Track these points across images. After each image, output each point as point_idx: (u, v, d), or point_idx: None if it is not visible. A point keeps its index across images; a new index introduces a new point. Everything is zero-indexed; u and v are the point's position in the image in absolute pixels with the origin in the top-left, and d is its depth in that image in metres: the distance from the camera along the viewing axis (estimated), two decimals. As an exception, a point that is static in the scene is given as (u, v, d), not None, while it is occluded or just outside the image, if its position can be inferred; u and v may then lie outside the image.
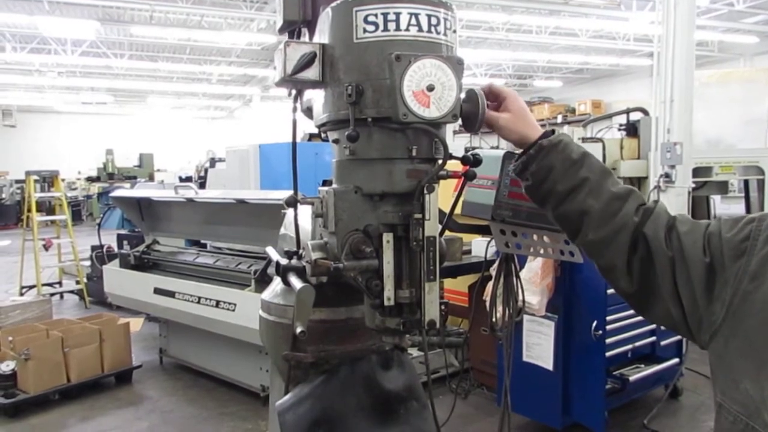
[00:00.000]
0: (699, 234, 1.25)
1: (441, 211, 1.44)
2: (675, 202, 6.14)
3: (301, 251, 1.69)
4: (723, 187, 7.41)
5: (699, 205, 7.81)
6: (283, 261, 1.73)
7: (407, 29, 1.31)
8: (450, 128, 1.87)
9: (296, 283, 1.59)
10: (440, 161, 1.37)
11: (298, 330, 1.53)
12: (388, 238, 1.37)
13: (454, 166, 1.44)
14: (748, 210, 7.82)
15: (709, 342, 1.21)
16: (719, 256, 1.20)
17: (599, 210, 1.34)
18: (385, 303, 1.37)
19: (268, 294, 1.95)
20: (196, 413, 4.96)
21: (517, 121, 1.43)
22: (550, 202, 1.42)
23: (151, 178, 21.23)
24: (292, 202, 1.55)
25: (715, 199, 8.35)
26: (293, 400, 1.76)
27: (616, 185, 1.37)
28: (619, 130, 8.11)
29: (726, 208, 9.17)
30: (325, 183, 1.57)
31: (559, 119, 21.23)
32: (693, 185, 6.34)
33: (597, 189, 1.35)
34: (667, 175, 6.15)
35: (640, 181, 7.56)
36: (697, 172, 6.61)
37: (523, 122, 1.43)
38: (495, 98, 1.47)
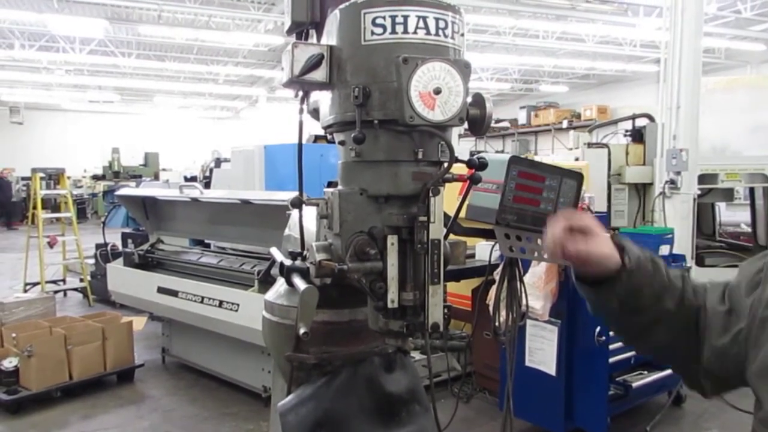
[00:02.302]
0: (719, 288, 1.30)
1: (446, 215, 1.44)
2: (680, 209, 6.12)
3: (305, 252, 1.70)
4: (728, 194, 7.38)
5: (704, 212, 7.78)
6: (288, 262, 1.73)
7: (415, 32, 1.32)
8: (455, 132, 1.87)
9: (300, 284, 1.59)
10: (446, 164, 1.37)
11: (302, 331, 1.53)
12: (392, 240, 1.37)
13: (459, 169, 1.44)
14: (754, 217, 7.79)
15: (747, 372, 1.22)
16: (737, 297, 1.24)
17: (674, 311, 1.33)
18: (389, 305, 1.37)
19: (271, 294, 1.95)
20: (198, 413, 4.96)
21: (609, 254, 1.31)
22: (627, 315, 1.36)
23: (156, 177, 21.26)
24: (298, 203, 1.56)
25: (721, 206, 8.31)
26: (295, 401, 1.76)
27: (675, 275, 1.37)
28: (625, 135, 8.10)
29: (731, 215, 9.12)
30: (330, 184, 1.58)
31: (565, 124, 21.20)
32: (698, 192, 6.31)
33: (671, 291, 1.34)
34: (672, 182, 6.13)
35: (645, 188, 7.55)
36: (702, 178, 6.59)
37: (610, 249, 1.31)
38: (580, 232, 1.32)
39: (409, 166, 1.39)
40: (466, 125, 1.41)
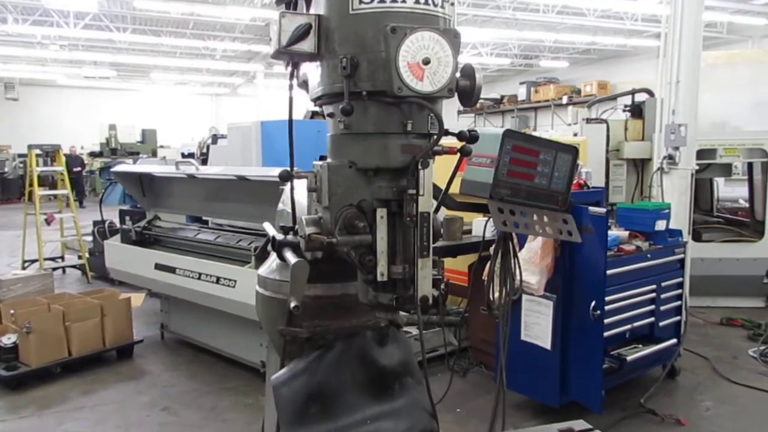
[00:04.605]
0: None
1: (437, 188, 1.43)
2: (678, 185, 6.10)
3: (296, 227, 1.69)
4: (726, 170, 7.36)
5: (702, 188, 7.77)
6: (279, 236, 1.73)
7: (404, 0, 1.29)
8: (454, 108, 1.86)
9: (291, 258, 1.59)
10: (435, 136, 1.36)
11: (293, 305, 1.54)
12: (381, 213, 1.37)
13: (451, 142, 1.42)
14: (752, 193, 7.78)
15: None
16: None
17: None
18: (378, 278, 1.37)
19: (264, 269, 1.95)
20: (197, 388, 5.00)
21: None
22: None
23: (154, 154, 21.20)
24: (287, 177, 1.55)
25: (719, 182, 8.30)
26: (288, 374, 1.77)
27: None
28: (624, 111, 8.04)
29: (729, 191, 9.12)
30: (323, 158, 1.57)
31: (565, 100, 21.06)
32: (696, 167, 6.28)
33: None
34: (670, 157, 6.09)
35: (643, 163, 7.52)
36: (701, 154, 6.55)
37: None
38: None
39: (398, 138, 1.37)
40: (456, 97, 1.39)
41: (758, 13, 16.09)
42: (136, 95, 29.41)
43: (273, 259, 1.94)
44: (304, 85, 1.61)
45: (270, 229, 1.91)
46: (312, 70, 1.48)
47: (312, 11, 1.45)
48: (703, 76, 6.26)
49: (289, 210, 1.79)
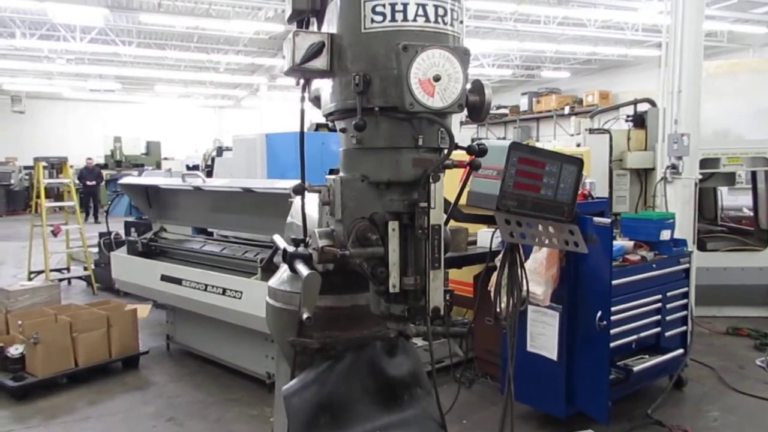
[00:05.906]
0: None
1: (446, 201, 1.46)
2: (681, 194, 6.12)
3: (307, 239, 1.72)
4: (730, 179, 7.37)
5: (706, 197, 7.78)
6: (290, 248, 1.76)
7: (414, 19, 1.33)
8: (456, 119, 1.89)
9: (303, 270, 1.61)
10: (446, 151, 1.39)
11: (305, 316, 1.56)
12: (393, 226, 1.39)
13: (460, 156, 1.45)
14: (755, 201, 7.79)
15: None
16: None
17: None
18: (390, 290, 1.40)
19: (274, 281, 1.98)
20: (202, 399, 5.01)
21: None
22: None
23: (158, 166, 21.30)
24: (300, 190, 1.58)
25: (722, 191, 8.31)
26: (299, 385, 1.79)
27: None
28: (627, 121, 8.08)
29: (733, 199, 9.12)
30: (332, 172, 1.60)
31: (567, 110, 21.12)
32: (700, 177, 6.30)
33: None
34: (674, 167, 6.11)
35: (646, 173, 7.55)
36: (704, 163, 6.58)
37: None
38: None
39: (409, 152, 1.40)
40: (466, 112, 1.42)
41: (758, 22, 16.13)
42: (140, 108, 29.58)
43: (283, 271, 1.97)
44: (315, 100, 1.64)
45: (281, 241, 1.94)
46: (324, 87, 1.52)
47: (324, 29, 1.49)
48: (705, 86, 6.30)
49: (299, 223, 1.82)
